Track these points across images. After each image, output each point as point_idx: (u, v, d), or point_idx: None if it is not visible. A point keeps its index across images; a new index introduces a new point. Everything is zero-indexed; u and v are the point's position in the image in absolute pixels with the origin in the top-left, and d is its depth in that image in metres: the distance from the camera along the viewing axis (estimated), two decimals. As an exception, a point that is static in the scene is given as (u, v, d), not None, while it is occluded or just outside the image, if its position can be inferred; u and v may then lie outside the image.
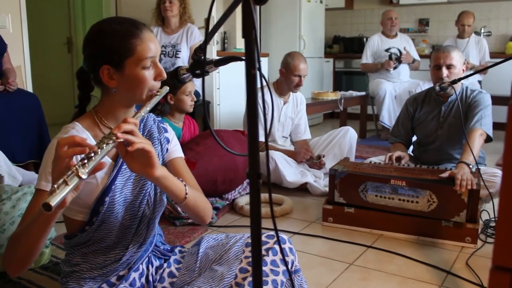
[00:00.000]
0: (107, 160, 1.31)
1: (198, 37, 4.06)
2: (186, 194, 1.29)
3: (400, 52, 5.22)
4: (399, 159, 2.80)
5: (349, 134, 3.57)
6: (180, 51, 4.00)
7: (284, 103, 3.53)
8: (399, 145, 3.05)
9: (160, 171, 1.19)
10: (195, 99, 2.98)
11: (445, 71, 2.72)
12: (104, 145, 1.05)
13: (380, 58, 5.31)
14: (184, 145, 2.85)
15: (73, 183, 0.95)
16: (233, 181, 2.94)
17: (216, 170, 2.80)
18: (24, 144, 3.19)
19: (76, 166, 0.97)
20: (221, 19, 0.99)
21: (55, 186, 0.94)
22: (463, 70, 2.80)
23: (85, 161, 1.00)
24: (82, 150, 1.02)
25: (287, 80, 3.40)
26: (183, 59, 4.02)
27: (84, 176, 0.97)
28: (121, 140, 1.08)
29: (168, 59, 4.00)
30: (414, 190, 2.41)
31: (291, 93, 3.55)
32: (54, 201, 0.91)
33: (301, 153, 3.41)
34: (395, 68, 5.21)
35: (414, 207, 2.42)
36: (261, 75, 0.85)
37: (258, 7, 0.81)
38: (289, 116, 3.59)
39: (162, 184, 1.22)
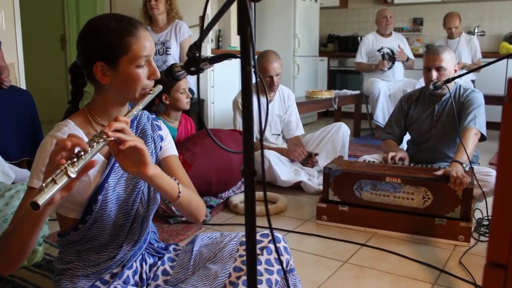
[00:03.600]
0: (100, 158, 1.30)
1: (187, 32, 4.06)
2: (180, 193, 1.28)
3: (392, 52, 5.22)
4: (401, 160, 2.80)
5: (342, 130, 3.57)
6: (170, 48, 4.00)
7: (269, 101, 3.52)
8: (390, 142, 3.05)
9: (153, 169, 1.18)
10: (190, 96, 2.96)
11: (434, 74, 2.73)
12: (95, 143, 1.04)
13: (375, 58, 5.32)
14: (181, 145, 2.84)
15: (61, 182, 0.95)
16: (228, 183, 2.93)
17: (212, 171, 2.80)
18: (17, 142, 3.17)
19: (65, 165, 0.97)
20: (216, 16, 0.99)
21: (43, 184, 0.94)
22: (455, 70, 2.81)
23: (75, 160, 0.99)
24: (68, 146, 1.00)
25: (264, 81, 3.39)
26: (174, 56, 4.01)
27: (73, 175, 0.97)
28: (112, 138, 1.08)
29: (159, 57, 4.00)
30: (409, 187, 2.42)
31: (277, 91, 3.54)
32: (42, 200, 0.91)
33: (296, 153, 3.40)
34: (389, 68, 5.22)
35: (409, 204, 2.43)
36: (256, 73, 0.85)
37: (253, 4, 0.81)
38: (276, 114, 3.57)
39: (155, 183, 1.21)
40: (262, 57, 3.38)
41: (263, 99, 3.46)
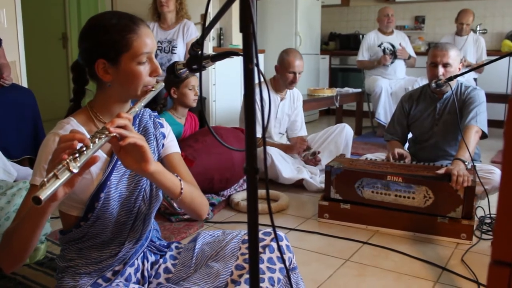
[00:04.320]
0: (102, 155, 1.30)
1: (194, 33, 4.05)
2: (182, 189, 1.28)
3: (393, 46, 5.22)
4: (401, 156, 2.80)
5: (345, 131, 3.57)
6: (176, 47, 3.99)
7: (281, 100, 3.52)
8: (395, 143, 3.05)
9: (154, 166, 1.18)
10: (198, 93, 2.97)
11: (441, 70, 2.72)
12: (97, 139, 1.04)
13: (376, 56, 5.32)
14: (183, 142, 2.84)
15: (63, 177, 0.94)
16: (230, 180, 2.93)
17: (214, 168, 2.80)
18: (19, 140, 3.17)
19: (67, 160, 0.97)
20: (218, 13, 0.99)
21: (45, 180, 0.93)
22: (459, 68, 2.80)
23: (77, 155, 0.99)
24: (74, 145, 1.01)
25: (282, 77, 3.39)
26: (179, 55, 4.00)
27: (75, 170, 0.96)
28: (114, 134, 1.08)
29: (164, 55, 3.99)
30: (410, 186, 2.42)
31: (288, 89, 3.55)
32: (44, 195, 0.90)
33: (297, 144, 3.41)
34: (391, 62, 5.21)
35: (410, 203, 2.43)
36: (259, 71, 0.85)
37: (255, 1, 0.81)
38: (286, 113, 3.59)
39: (156, 179, 1.21)
40: (288, 53, 3.39)
41: (276, 96, 3.47)
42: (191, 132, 3.08)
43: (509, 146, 0.55)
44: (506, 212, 0.54)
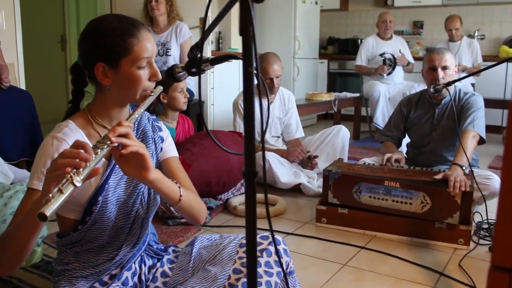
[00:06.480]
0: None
1: (187, 34, 4.07)
2: (181, 196, 1.28)
3: (394, 58, 5.21)
4: (396, 161, 2.80)
5: (342, 133, 3.56)
6: (170, 49, 4.01)
7: (270, 103, 3.51)
8: (389, 144, 3.05)
9: (155, 174, 1.18)
10: (188, 96, 2.96)
11: (441, 73, 2.73)
12: (99, 150, 1.04)
13: (375, 61, 5.32)
14: (180, 145, 2.83)
15: (68, 191, 0.95)
16: (227, 184, 2.93)
17: (211, 171, 2.79)
18: (16, 142, 3.17)
19: (71, 174, 0.97)
20: (218, 17, 0.99)
21: (50, 195, 0.93)
22: (455, 72, 2.82)
23: (80, 168, 0.99)
24: (79, 164, 1.00)
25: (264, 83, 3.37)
26: (174, 57, 4.02)
27: (78, 184, 0.97)
28: (116, 144, 1.08)
29: (159, 58, 4.01)
30: (407, 191, 2.41)
31: (277, 93, 3.53)
32: (49, 211, 0.91)
33: (295, 153, 3.39)
34: (389, 74, 5.20)
35: (407, 209, 2.43)
36: (257, 74, 0.85)
37: (255, 5, 0.80)
38: (276, 116, 3.57)
39: (156, 187, 1.21)
40: (262, 59, 3.37)
41: (264, 101, 3.46)
42: (185, 136, 3.07)
43: (509, 152, 0.54)
44: (506, 218, 0.54)
